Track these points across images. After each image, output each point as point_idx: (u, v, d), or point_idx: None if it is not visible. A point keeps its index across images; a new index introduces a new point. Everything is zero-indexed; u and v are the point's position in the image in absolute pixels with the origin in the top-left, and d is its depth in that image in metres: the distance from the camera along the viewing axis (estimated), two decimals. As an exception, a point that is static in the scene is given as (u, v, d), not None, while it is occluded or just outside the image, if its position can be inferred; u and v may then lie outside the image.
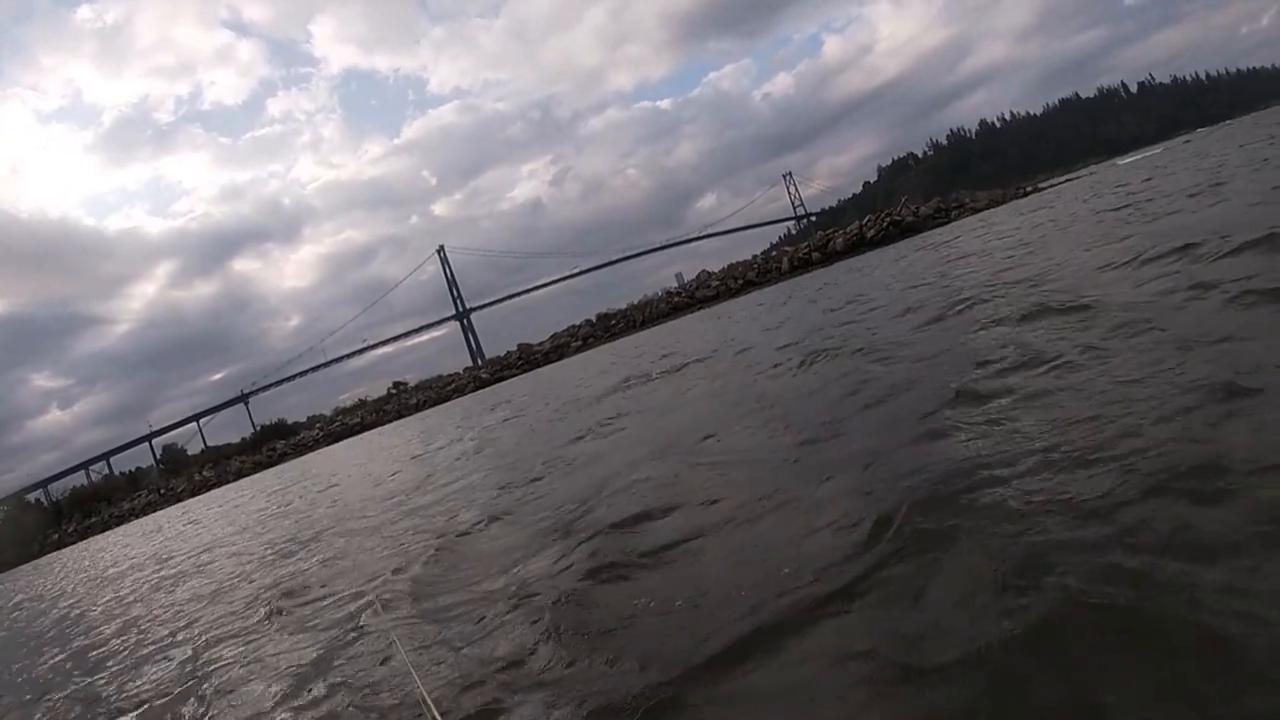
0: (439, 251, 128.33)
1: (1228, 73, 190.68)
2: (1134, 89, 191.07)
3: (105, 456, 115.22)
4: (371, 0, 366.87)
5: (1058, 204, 27.36)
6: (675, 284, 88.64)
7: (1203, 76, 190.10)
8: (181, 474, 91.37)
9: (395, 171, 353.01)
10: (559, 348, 74.53)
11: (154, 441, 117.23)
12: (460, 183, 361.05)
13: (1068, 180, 65.94)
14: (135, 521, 63.36)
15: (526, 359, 76.37)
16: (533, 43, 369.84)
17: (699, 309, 60.62)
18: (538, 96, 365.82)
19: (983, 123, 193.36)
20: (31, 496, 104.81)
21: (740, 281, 64.42)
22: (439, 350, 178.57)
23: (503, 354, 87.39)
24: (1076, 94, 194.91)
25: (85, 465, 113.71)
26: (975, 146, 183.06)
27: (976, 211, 54.14)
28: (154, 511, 67.78)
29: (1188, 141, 60.53)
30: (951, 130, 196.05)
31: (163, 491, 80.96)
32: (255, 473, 70.35)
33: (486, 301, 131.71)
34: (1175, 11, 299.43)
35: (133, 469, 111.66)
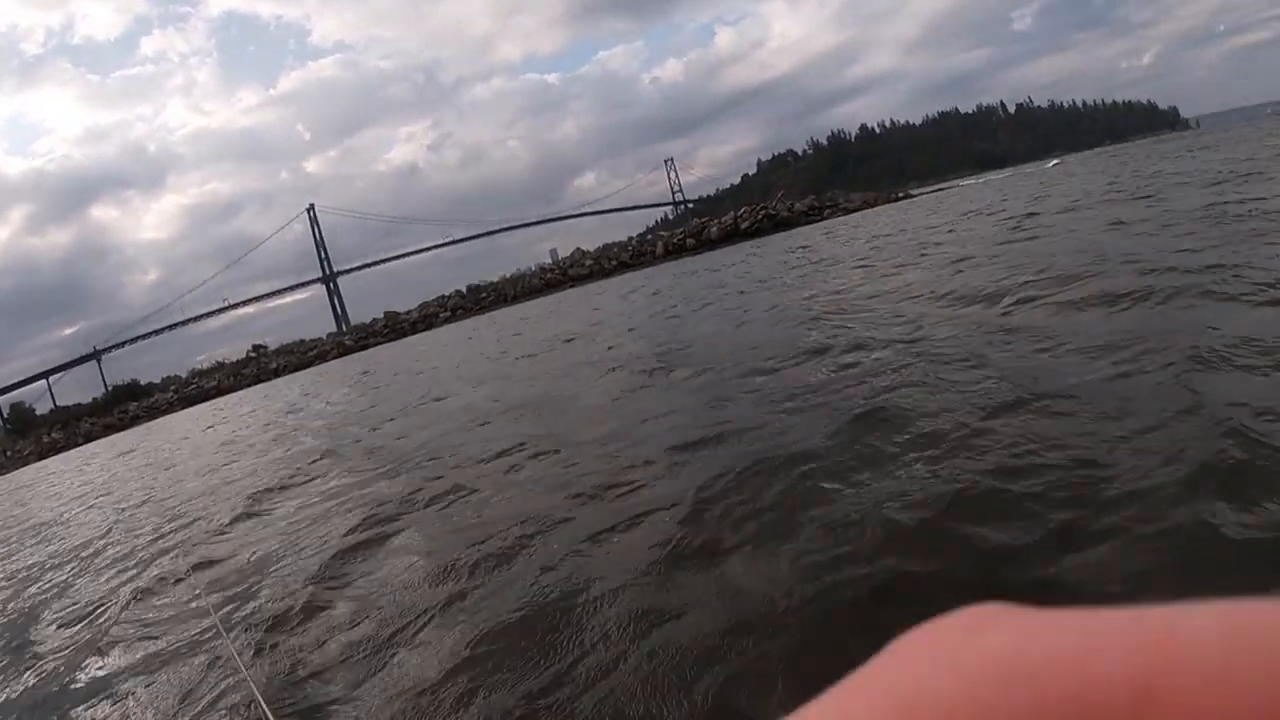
0: (309, 210, 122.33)
1: (1103, 103, 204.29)
2: (1012, 109, 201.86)
3: None
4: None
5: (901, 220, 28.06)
6: (549, 260, 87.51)
7: (1079, 104, 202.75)
8: (29, 435, 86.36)
9: (269, 123, 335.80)
10: (427, 318, 72.76)
11: (0, 399, 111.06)
12: (335, 140, 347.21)
13: (937, 190, 68.33)
14: None
15: (393, 327, 74.22)
16: (423, 2, 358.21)
17: (571, 286, 59.79)
18: (423, 59, 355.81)
19: (863, 127, 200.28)
20: None
21: (614, 262, 64.05)
22: (303, 314, 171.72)
23: (369, 321, 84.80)
24: (956, 108, 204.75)
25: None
26: (854, 149, 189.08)
27: (850, 212, 55.30)
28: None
29: (1057, 164, 63.79)
30: (832, 132, 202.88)
31: (9, 454, 75.71)
32: (105, 435, 66.10)
33: (355, 265, 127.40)
34: (1063, 41, 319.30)
35: None
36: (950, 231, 14.06)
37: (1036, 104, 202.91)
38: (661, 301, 16.32)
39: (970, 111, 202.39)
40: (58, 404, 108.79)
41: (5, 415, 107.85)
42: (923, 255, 11.05)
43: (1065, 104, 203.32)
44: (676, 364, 6.99)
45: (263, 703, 2.10)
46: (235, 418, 20.92)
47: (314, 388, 24.45)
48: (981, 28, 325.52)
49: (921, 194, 68.04)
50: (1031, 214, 13.02)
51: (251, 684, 2.52)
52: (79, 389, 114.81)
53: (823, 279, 11.47)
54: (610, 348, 10.14)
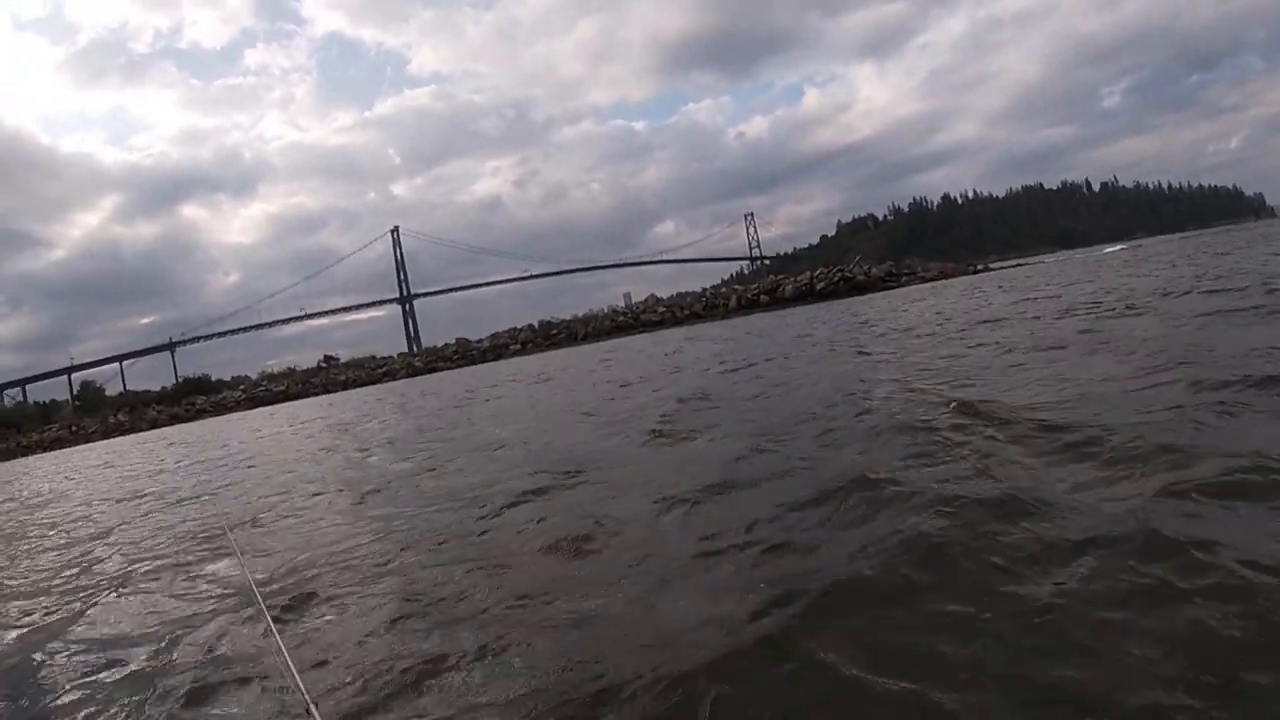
0: (393, 232, 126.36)
1: (1188, 186, 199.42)
2: (1096, 187, 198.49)
3: (22, 382, 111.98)
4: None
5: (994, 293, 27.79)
6: (622, 303, 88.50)
7: (1164, 186, 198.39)
8: (96, 414, 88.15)
9: (361, 144, 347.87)
10: (497, 348, 73.73)
11: (73, 376, 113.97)
12: (423, 167, 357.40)
13: (1017, 265, 67.42)
14: (41, 455, 60.55)
15: (464, 354, 75.51)
16: (518, 42, 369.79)
17: (642, 332, 60.32)
18: (515, 96, 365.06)
19: (945, 196, 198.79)
20: None
21: (686, 312, 64.42)
22: (376, 331, 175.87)
23: (440, 345, 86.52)
24: (1040, 184, 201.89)
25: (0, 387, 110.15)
26: (934, 218, 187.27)
27: (926, 280, 54.96)
28: (62, 448, 64.78)
29: (1138, 246, 62.71)
30: (914, 199, 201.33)
31: (74, 429, 77.64)
32: (171, 425, 68.19)
33: (433, 290, 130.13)
34: (1150, 121, 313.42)
35: (47, 400, 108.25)
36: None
37: (1121, 183, 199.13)
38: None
39: (1054, 187, 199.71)
40: (127, 388, 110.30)
41: (75, 392, 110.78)
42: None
43: (1150, 185, 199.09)
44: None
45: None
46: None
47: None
48: (1068, 103, 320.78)
49: (1000, 268, 67.27)
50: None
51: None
52: (149, 377, 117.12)
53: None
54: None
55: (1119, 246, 76.38)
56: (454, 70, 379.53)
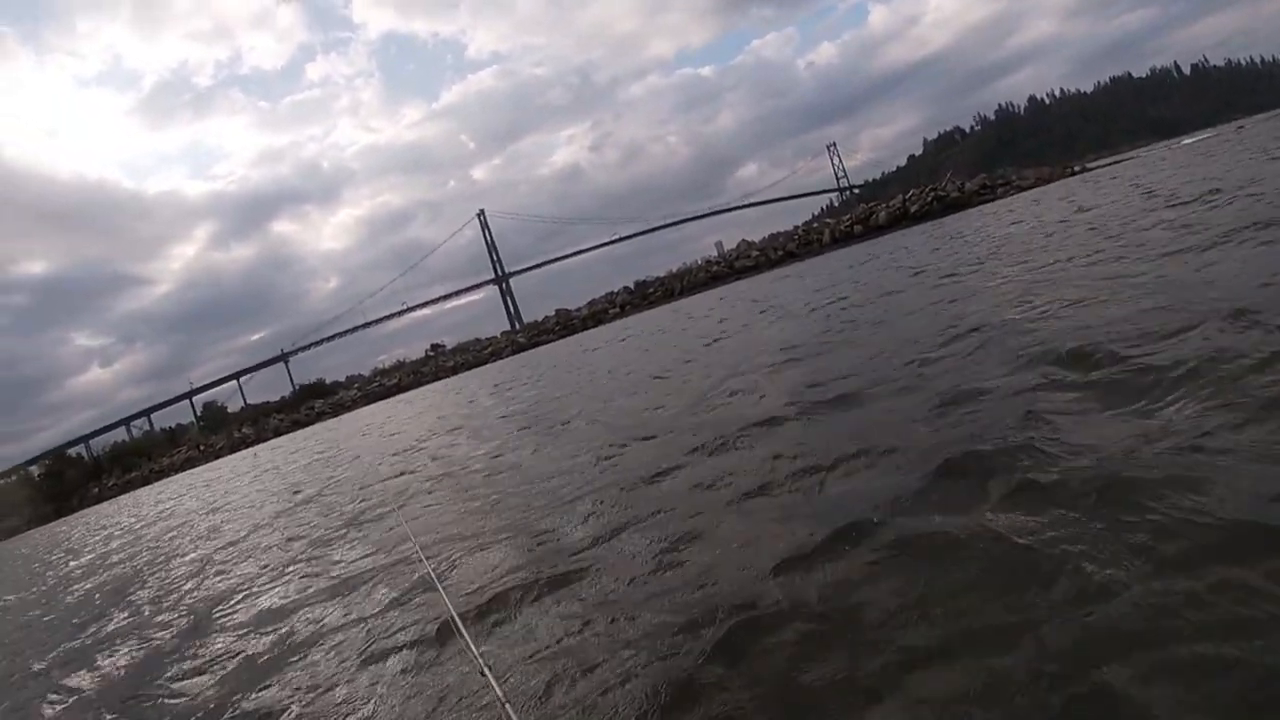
0: (479, 215, 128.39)
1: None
2: (1187, 71, 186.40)
3: (147, 413, 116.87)
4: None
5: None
6: (715, 253, 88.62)
7: (1258, 61, 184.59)
8: (221, 431, 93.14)
9: (433, 136, 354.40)
10: (596, 314, 75.10)
11: (194, 399, 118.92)
12: (498, 148, 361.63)
13: (1116, 161, 65.06)
14: (175, 476, 64.57)
15: (564, 324, 76.98)
16: (570, 7, 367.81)
17: (737, 279, 60.80)
18: (576, 62, 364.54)
19: (1032, 99, 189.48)
20: (73, 451, 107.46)
21: (781, 252, 64.49)
22: (477, 314, 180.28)
23: (540, 319, 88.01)
24: (1128, 73, 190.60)
25: (126, 421, 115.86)
26: (1023, 123, 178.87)
27: (1023, 189, 53.64)
28: (194, 467, 69.23)
29: (1240, 128, 59.42)
30: (1000, 105, 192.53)
31: (202, 448, 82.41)
32: (293, 430, 71.55)
33: (525, 266, 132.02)
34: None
35: (173, 425, 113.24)
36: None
37: (1213, 63, 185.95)
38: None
39: (1143, 75, 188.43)
40: (248, 402, 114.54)
41: (199, 413, 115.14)
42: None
43: (1243, 62, 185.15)
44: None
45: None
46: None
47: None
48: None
49: (1098, 166, 65.02)
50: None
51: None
52: (267, 389, 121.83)
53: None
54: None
55: (1208, 134, 72.00)
56: (512, 47, 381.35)
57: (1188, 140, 72.16)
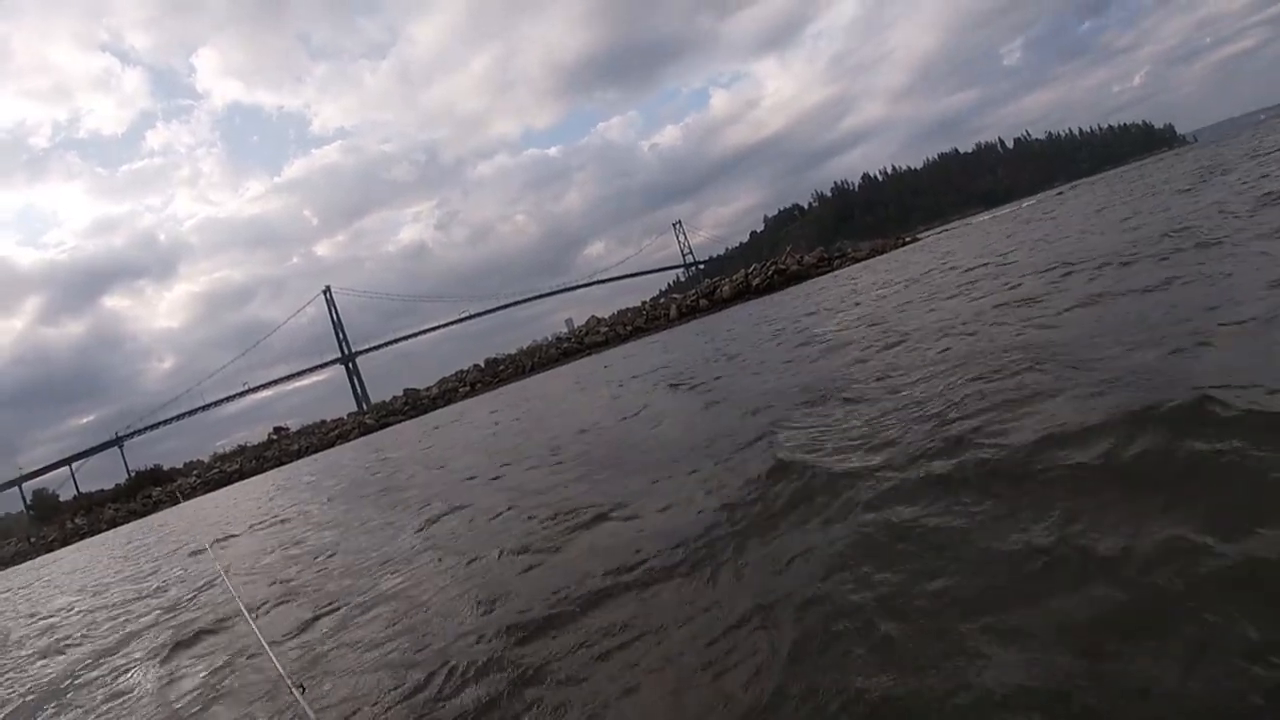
0: (325, 292, 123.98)
1: (1099, 129, 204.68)
2: (1010, 144, 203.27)
3: None
4: (253, 34, 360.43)
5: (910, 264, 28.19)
6: (565, 330, 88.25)
7: (1076, 133, 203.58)
8: (53, 521, 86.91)
9: (276, 210, 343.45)
10: (446, 393, 73.30)
11: (23, 486, 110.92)
12: (343, 224, 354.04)
13: (945, 230, 68.83)
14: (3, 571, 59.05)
15: (414, 404, 74.83)
16: (417, 86, 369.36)
17: (588, 354, 60.10)
18: (423, 139, 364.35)
19: (865, 176, 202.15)
20: None
21: (629, 328, 64.42)
22: (323, 394, 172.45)
23: (389, 399, 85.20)
24: (955, 149, 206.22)
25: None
26: (858, 198, 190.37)
27: (858, 260, 55.45)
28: (23, 561, 62.89)
29: (1060, 194, 64.24)
30: (835, 183, 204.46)
31: (33, 540, 76.27)
32: (129, 521, 67.05)
33: (372, 345, 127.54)
34: (1051, 72, 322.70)
35: (1, 514, 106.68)
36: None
37: (1034, 137, 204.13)
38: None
39: (969, 151, 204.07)
40: (81, 490, 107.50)
41: (29, 502, 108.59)
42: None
43: (1062, 134, 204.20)
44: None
45: None
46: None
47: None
48: (969, 68, 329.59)
49: (928, 235, 68.61)
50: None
51: None
52: (101, 475, 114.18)
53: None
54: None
55: (1034, 200, 77.97)
56: (358, 123, 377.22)
57: (1007, 208, 77.54)
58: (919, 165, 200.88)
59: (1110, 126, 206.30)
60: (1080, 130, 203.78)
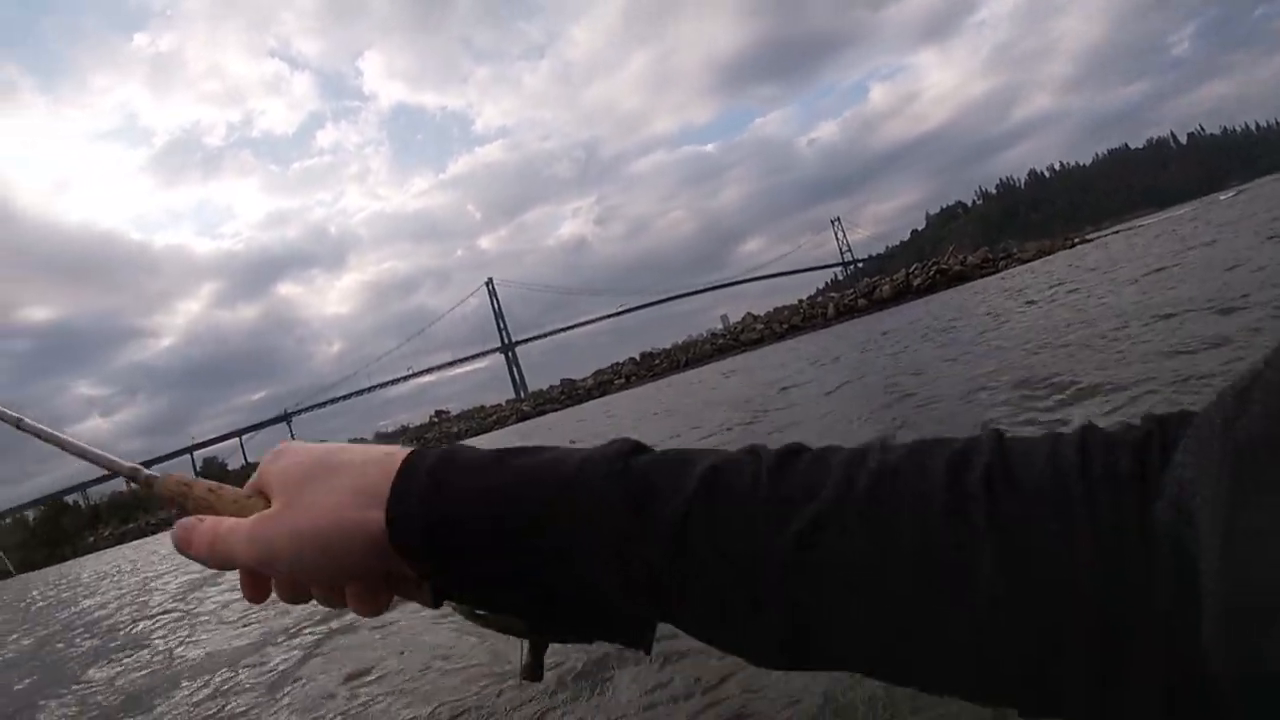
0: (488, 284, 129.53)
1: (1277, 123, 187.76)
2: (1183, 139, 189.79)
3: (147, 465, 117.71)
4: (417, 39, 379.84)
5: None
6: (720, 326, 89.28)
7: (1253, 127, 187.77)
8: None
9: (440, 205, 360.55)
10: (602, 384, 75.77)
11: (195, 454, 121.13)
12: (505, 218, 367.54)
13: (1115, 232, 65.76)
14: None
15: (569, 394, 77.79)
16: (576, 85, 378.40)
17: (743, 351, 61.03)
18: (582, 137, 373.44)
19: (1032, 172, 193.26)
20: (70, 498, 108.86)
21: (785, 326, 64.97)
22: (483, 381, 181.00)
23: (545, 388, 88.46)
24: (1125, 144, 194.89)
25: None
26: (1024, 196, 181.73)
27: (1024, 261, 54.03)
28: None
29: (1239, 192, 60.17)
30: (1000, 179, 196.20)
31: None
32: None
33: (532, 335, 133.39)
34: (1221, 63, 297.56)
35: None
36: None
37: (1208, 131, 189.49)
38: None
39: (1140, 146, 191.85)
40: (248, 460, 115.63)
41: (198, 469, 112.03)
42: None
43: (1238, 128, 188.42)
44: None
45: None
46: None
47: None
48: (1138, 58, 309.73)
49: (1098, 236, 65.67)
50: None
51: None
52: (268, 448, 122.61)
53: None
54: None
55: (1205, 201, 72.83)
56: (518, 121, 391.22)
57: (1184, 208, 72.95)
58: (1087, 161, 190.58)
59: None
60: (1258, 125, 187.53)
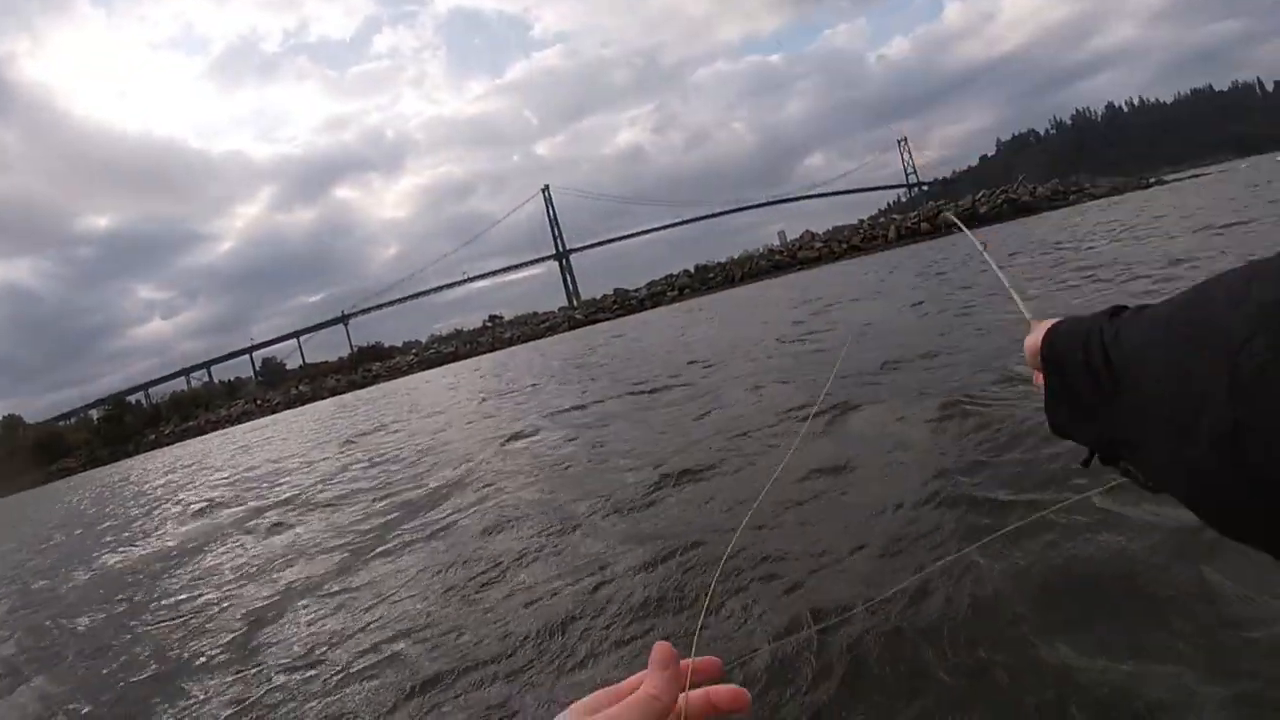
0: (544, 191, 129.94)
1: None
2: (1270, 87, 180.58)
3: (207, 365, 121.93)
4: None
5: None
6: (777, 242, 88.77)
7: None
8: (279, 387, 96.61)
9: (497, 110, 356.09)
10: (655, 295, 76.16)
11: (254, 354, 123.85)
12: (562, 125, 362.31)
13: (1194, 176, 63.73)
14: (232, 428, 66.48)
15: (622, 304, 78.15)
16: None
17: (799, 269, 61.19)
18: (643, 44, 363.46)
19: (1109, 106, 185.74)
20: (132, 398, 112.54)
21: (845, 245, 64.71)
22: (534, 288, 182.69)
23: (598, 297, 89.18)
24: (1210, 85, 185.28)
25: (186, 371, 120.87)
26: (1099, 131, 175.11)
27: (1095, 198, 53.24)
28: (248, 420, 71.23)
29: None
30: (1076, 110, 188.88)
31: (259, 402, 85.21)
32: (349, 391, 72.97)
33: (586, 244, 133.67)
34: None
35: (232, 378, 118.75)
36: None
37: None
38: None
39: (1224, 89, 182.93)
40: (306, 361, 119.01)
41: (258, 369, 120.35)
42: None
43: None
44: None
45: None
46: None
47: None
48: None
49: (1175, 179, 63.99)
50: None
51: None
52: (326, 349, 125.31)
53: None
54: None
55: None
56: (577, 27, 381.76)
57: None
58: (1168, 99, 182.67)
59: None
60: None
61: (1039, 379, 0.60)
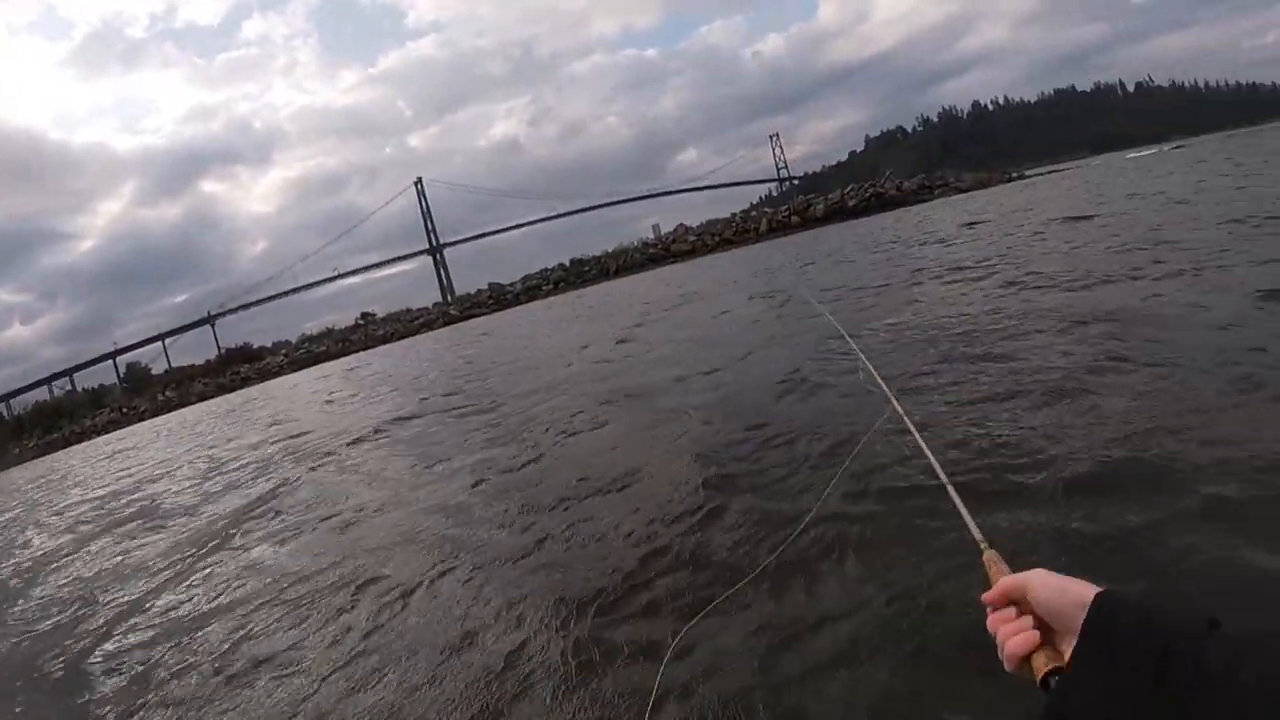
0: (416, 184, 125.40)
1: (1227, 85, 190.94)
2: (1131, 88, 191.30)
3: (69, 372, 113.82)
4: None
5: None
6: (652, 235, 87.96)
7: (1201, 85, 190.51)
8: (144, 393, 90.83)
9: (370, 101, 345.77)
10: (530, 289, 74.12)
11: (118, 360, 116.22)
12: (436, 117, 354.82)
13: (1052, 171, 65.85)
14: (97, 439, 61.84)
15: (497, 299, 75.85)
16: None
17: (674, 262, 60.24)
18: (519, 35, 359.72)
19: (975, 104, 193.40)
20: None
21: (717, 239, 64.19)
22: (409, 284, 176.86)
23: (473, 292, 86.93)
24: (1073, 86, 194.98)
25: (48, 380, 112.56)
26: (965, 127, 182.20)
27: (961, 191, 53.94)
28: (115, 430, 66.57)
29: (1179, 148, 60.60)
30: (943, 108, 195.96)
31: (125, 410, 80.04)
32: (217, 395, 69.47)
33: (460, 238, 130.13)
34: (1183, 17, 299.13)
35: (96, 386, 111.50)
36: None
37: (1157, 83, 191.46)
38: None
39: (1087, 90, 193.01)
40: (172, 364, 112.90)
41: (122, 374, 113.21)
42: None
43: (1187, 85, 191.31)
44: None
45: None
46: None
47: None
48: (1095, 0, 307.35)
49: (1036, 175, 65.82)
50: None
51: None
52: (193, 351, 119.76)
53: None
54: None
55: (1149, 150, 73.15)
56: (452, 16, 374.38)
57: (1131, 154, 73.04)
58: (1033, 99, 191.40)
59: (1239, 84, 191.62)
60: (1207, 84, 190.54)
61: (996, 617, 0.63)
